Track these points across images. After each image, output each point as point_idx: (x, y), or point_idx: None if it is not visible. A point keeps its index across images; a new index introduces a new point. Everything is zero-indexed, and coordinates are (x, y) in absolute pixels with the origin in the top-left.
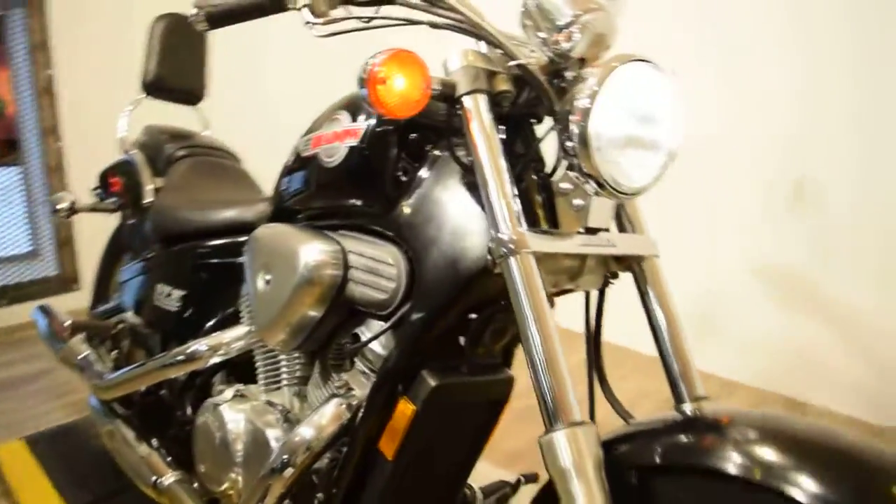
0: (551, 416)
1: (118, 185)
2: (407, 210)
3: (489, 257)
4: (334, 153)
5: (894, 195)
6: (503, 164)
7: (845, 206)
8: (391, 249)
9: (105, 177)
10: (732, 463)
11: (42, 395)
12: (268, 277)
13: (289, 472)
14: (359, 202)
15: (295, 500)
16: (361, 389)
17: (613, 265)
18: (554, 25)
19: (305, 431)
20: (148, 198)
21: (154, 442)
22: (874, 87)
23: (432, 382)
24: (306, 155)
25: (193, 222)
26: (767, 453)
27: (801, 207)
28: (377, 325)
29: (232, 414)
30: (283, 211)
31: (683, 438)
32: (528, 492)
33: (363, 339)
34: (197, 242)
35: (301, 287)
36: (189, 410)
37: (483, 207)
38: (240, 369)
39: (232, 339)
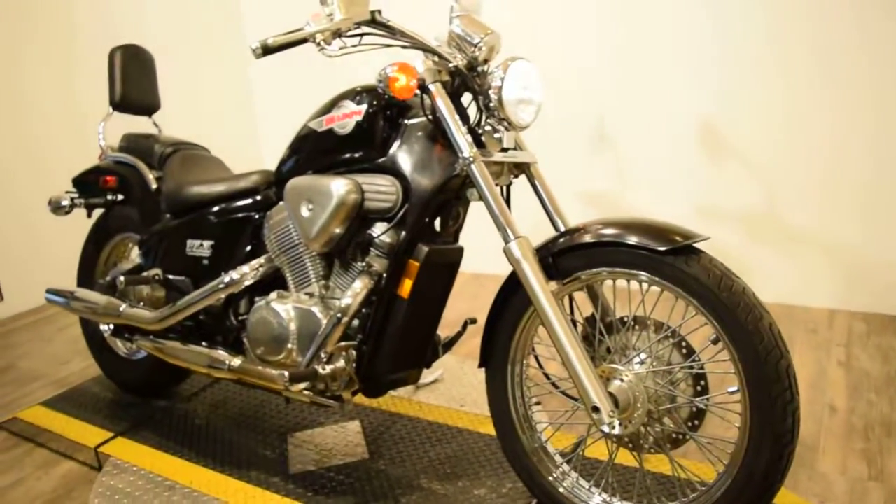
0: (506, 234)
1: (113, 181)
2: (395, 153)
3: (458, 167)
4: (346, 126)
5: (664, 136)
6: (457, 117)
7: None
8: (388, 178)
9: (89, 179)
10: (593, 237)
11: (15, 384)
12: (310, 206)
13: (342, 324)
14: (362, 153)
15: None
16: (380, 265)
17: (514, 170)
18: (470, 43)
19: (347, 298)
20: (153, 185)
21: (205, 345)
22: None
23: (426, 248)
24: (322, 130)
25: (202, 195)
26: (609, 229)
27: (603, 146)
28: (384, 225)
29: (282, 305)
30: (290, 171)
31: (568, 235)
32: (472, 330)
33: (376, 235)
34: (206, 209)
35: (336, 208)
36: (234, 321)
37: (439, 147)
38: (259, 290)
39: (258, 265)
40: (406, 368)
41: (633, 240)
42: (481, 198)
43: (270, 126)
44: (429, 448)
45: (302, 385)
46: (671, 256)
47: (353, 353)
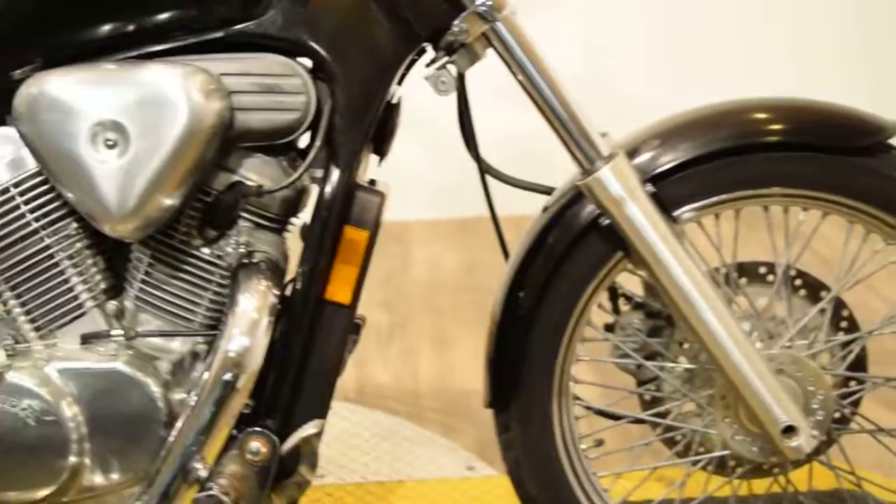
0: (587, 156)
1: None
2: (287, 7)
3: (461, 26)
4: None
5: None
6: None
7: None
8: (274, 58)
9: None
10: (718, 141)
11: None
12: (112, 137)
13: (240, 394)
14: (206, 10)
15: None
16: (271, 246)
17: None
18: None
19: (239, 333)
20: None
21: None
22: None
23: (377, 199)
24: None
25: None
26: (730, 126)
27: None
28: (276, 163)
29: (29, 376)
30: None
31: (657, 144)
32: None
33: (260, 183)
34: None
35: (190, 131)
36: None
37: None
38: None
39: None
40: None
41: (799, 137)
42: (527, 88)
43: None
44: None
45: None
46: (871, 158)
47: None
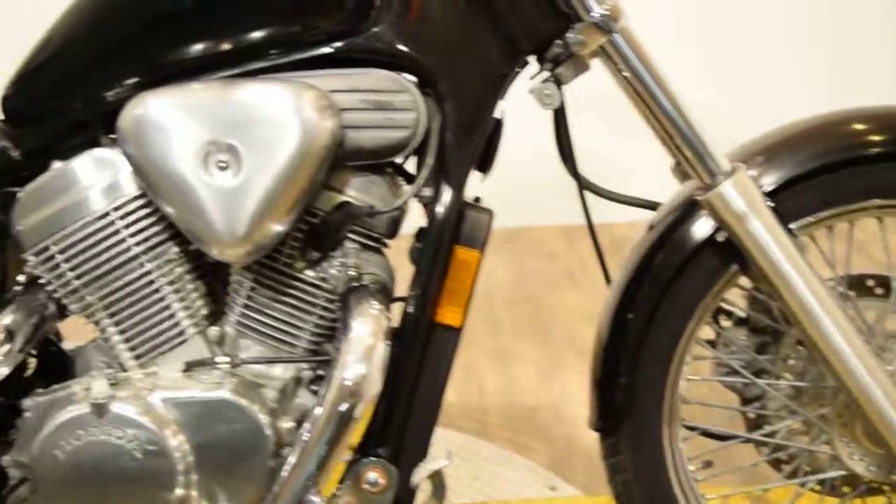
0: (709, 171)
1: None
2: (395, 21)
3: (576, 38)
4: None
5: None
6: None
7: None
8: (383, 74)
9: None
10: (842, 151)
11: None
12: (224, 158)
13: (357, 423)
14: (306, 25)
15: None
16: (378, 267)
17: None
18: None
19: (354, 360)
20: None
21: None
22: None
23: (486, 217)
24: None
25: None
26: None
27: None
28: (382, 182)
29: (133, 406)
30: (98, 84)
31: (772, 155)
32: None
33: (367, 203)
34: None
35: (304, 151)
36: None
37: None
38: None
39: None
40: None
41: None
42: (645, 101)
43: None
44: None
45: None
46: None
47: (378, 470)
